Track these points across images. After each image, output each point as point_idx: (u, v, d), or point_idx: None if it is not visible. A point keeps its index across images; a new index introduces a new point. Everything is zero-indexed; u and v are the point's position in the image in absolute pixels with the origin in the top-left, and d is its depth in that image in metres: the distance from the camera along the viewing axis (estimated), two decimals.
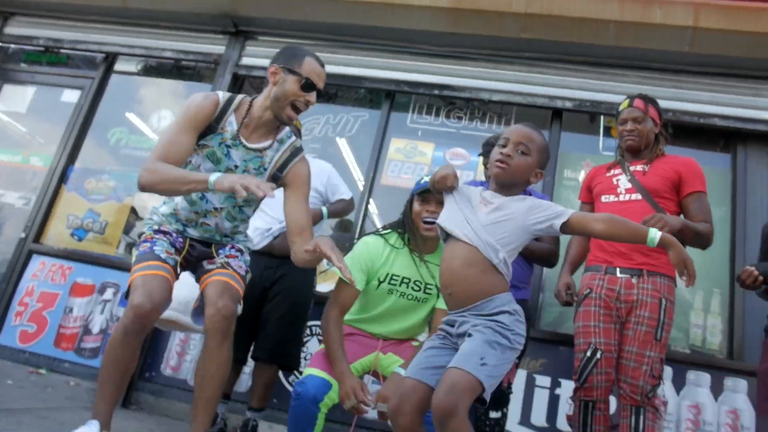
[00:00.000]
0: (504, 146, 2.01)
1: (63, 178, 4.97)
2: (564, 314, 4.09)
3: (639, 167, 2.99)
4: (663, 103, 4.22)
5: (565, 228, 1.97)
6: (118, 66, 5.36)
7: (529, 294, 3.27)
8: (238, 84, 4.95)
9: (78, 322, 4.40)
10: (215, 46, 5.02)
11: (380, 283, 2.50)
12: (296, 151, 2.53)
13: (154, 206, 2.62)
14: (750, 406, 3.56)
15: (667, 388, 3.73)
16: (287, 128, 2.55)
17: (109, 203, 4.90)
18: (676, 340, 3.96)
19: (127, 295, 2.29)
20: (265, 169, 2.47)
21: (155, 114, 5.19)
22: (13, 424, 2.63)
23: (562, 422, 3.74)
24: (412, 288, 2.50)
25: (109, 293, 4.42)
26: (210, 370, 2.25)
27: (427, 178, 2.42)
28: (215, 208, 2.49)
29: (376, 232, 2.61)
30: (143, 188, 2.26)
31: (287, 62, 2.40)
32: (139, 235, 2.51)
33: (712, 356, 3.95)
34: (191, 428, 2.25)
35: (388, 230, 2.60)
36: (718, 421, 3.70)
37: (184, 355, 4.18)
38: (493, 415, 2.99)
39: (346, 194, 3.72)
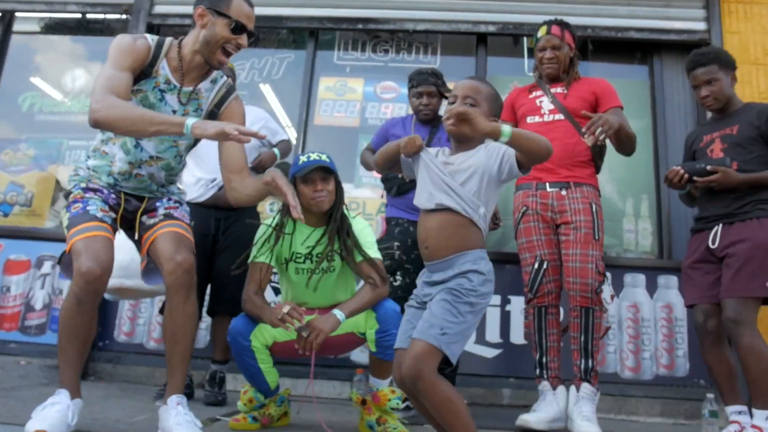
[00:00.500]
0: (452, 103, 2.01)
1: None
2: (506, 235, 4.26)
3: (559, 89, 3.19)
4: (582, 20, 4.37)
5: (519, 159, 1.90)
6: (18, 26, 4.98)
7: None
8: (153, 34, 4.71)
9: (18, 300, 4.24)
10: None
11: (287, 262, 2.64)
12: (231, 89, 2.49)
13: (77, 162, 2.50)
14: (681, 299, 3.85)
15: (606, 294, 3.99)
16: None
17: (31, 173, 4.65)
18: (611, 246, 4.22)
19: (60, 261, 2.25)
20: (202, 110, 2.43)
21: (68, 74, 4.88)
22: None
23: (515, 336, 3.96)
24: (316, 261, 2.60)
25: (47, 266, 4.27)
26: (180, 326, 2.22)
27: (303, 158, 2.57)
28: (151, 157, 2.39)
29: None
30: (98, 124, 2.13)
31: (214, 3, 2.30)
32: (66, 195, 2.36)
33: (645, 257, 4.23)
34: (169, 385, 2.22)
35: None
36: (654, 316, 4.01)
37: (136, 320, 4.13)
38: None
39: (285, 135, 3.78)
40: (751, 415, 2.73)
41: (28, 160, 4.67)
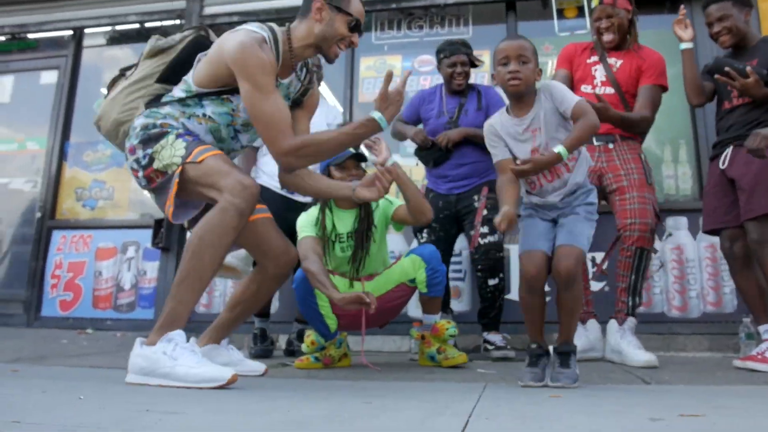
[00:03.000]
0: (506, 64, 2.24)
1: (62, 156, 5.25)
2: None
3: (613, 60, 3.29)
4: None
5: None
6: (88, 41, 5.53)
7: None
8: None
9: (110, 283, 4.78)
10: (176, 2, 5.18)
11: (333, 243, 2.95)
12: (316, 77, 2.60)
13: (155, 110, 2.31)
14: None
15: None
16: None
17: (111, 170, 5.20)
18: None
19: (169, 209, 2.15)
20: (289, 99, 2.45)
21: None
22: (84, 361, 3.03)
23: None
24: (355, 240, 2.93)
25: (131, 251, 4.79)
26: (256, 306, 2.53)
27: None
28: (242, 147, 2.50)
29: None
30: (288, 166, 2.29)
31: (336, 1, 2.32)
32: (147, 136, 2.23)
33: (686, 200, 4.34)
34: (223, 336, 2.50)
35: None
36: (698, 256, 4.12)
37: (212, 292, 4.58)
38: (492, 282, 3.39)
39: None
40: None
41: (106, 158, 5.22)
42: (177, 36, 2.45)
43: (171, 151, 2.16)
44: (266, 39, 2.23)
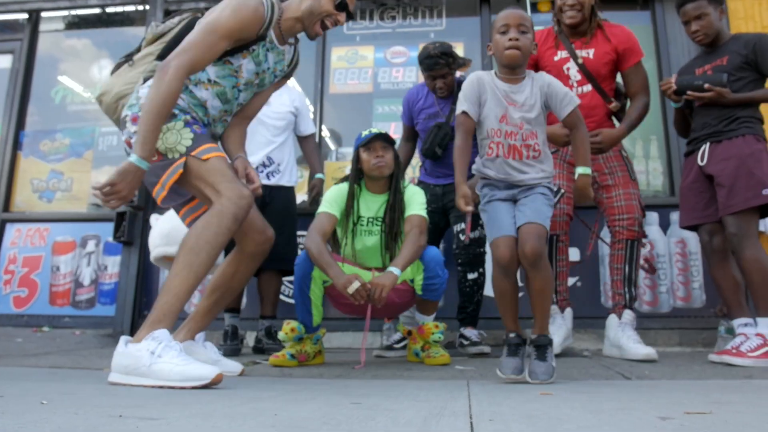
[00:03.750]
0: (505, 32, 2.21)
1: (17, 145, 4.99)
2: None
3: (584, 53, 3.23)
4: None
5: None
6: (45, 25, 5.27)
7: None
8: None
9: (68, 278, 4.57)
10: None
11: (354, 225, 2.94)
12: (297, 52, 2.62)
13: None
14: (695, 234, 3.99)
15: None
16: None
17: (69, 161, 4.96)
18: None
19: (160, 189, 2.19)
20: (283, 71, 2.54)
21: (95, 65, 5.18)
22: (42, 361, 2.86)
23: None
24: (376, 224, 2.95)
25: (91, 245, 4.59)
26: (236, 288, 2.48)
27: (365, 132, 2.94)
28: (239, 104, 2.49)
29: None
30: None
31: None
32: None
33: (657, 196, 4.37)
34: (199, 328, 2.39)
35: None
36: (669, 251, 4.16)
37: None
38: (471, 276, 3.35)
39: (312, 128, 3.96)
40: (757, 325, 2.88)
41: (65, 148, 4.98)
42: (175, 19, 2.50)
43: (177, 138, 2.19)
44: (263, 2, 2.29)
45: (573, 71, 3.24)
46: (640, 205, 3.17)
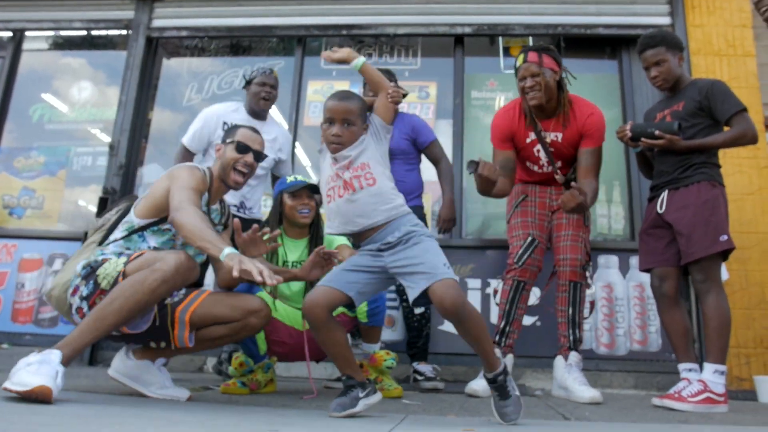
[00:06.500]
0: (331, 124, 2.21)
1: None
2: (486, 222, 4.53)
3: (552, 135, 3.28)
4: (552, 19, 4.65)
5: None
6: (29, 44, 5.35)
7: (421, 201, 3.74)
8: (152, 47, 5.04)
9: (32, 296, 4.56)
10: (124, 12, 5.06)
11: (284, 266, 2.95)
12: (229, 211, 2.87)
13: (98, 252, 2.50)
14: None
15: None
16: None
17: (42, 179, 4.99)
18: None
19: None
20: (221, 221, 2.78)
21: (75, 87, 5.25)
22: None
23: (494, 317, 4.18)
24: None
25: (58, 264, 4.58)
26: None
27: (291, 179, 2.99)
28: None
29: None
30: (173, 221, 2.34)
31: (225, 138, 2.71)
32: (88, 265, 2.40)
33: (617, 240, 4.46)
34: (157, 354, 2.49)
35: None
36: (627, 295, 4.24)
37: None
38: (418, 310, 3.43)
39: (289, 172, 3.93)
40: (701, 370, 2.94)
41: (38, 166, 5.01)
42: (113, 210, 2.70)
43: (114, 265, 2.31)
44: (203, 171, 2.59)
45: (543, 153, 3.32)
46: (586, 250, 3.23)
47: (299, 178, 2.99)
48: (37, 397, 1.80)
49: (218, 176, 2.66)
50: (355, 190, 2.16)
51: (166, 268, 2.15)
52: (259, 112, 3.80)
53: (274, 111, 4.90)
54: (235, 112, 3.82)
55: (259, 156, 2.70)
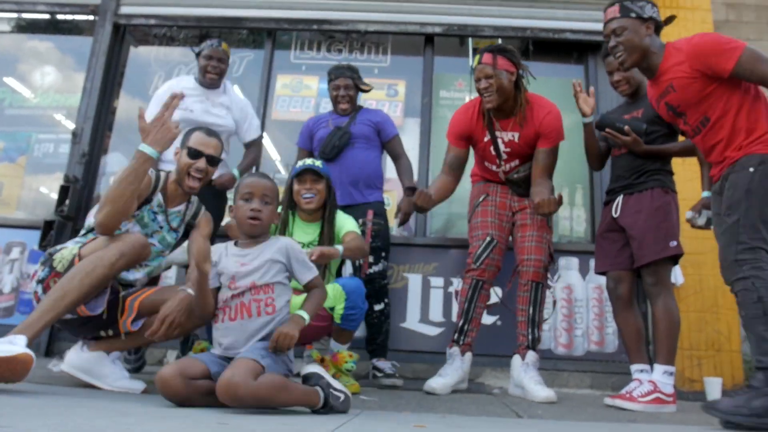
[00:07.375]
0: (249, 200, 2.24)
1: None
2: (449, 221, 4.57)
3: (509, 135, 3.29)
4: (521, 22, 4.70)
5: None
6: None
7: (382, 196, 3.78)
8: (119, 34, 4.95)
9: None
10: None
11: None
12: (200, 205, 2.89)
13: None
14: None
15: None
16: None
17: (1, 165, 4.88)
18: None
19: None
20: (183, 221, 2.81)
21: (38, 71, 5.13)
22: None
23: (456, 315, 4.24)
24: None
25: (15, 252, 4.48)
26: None
27: (300, 163, 3.08)
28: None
29: None
30: (105, 228, 2.36)
31: (182, 142, 2.75)
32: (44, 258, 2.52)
33: (578, 242, 4.54)
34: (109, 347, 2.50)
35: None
36: (587, 297, 4.31)
37: None
38: (377, 307, 3.45)
39: (257, 131, 3.97)
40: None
41: None
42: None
43: (70, 250, 2.43)
44: (152, 175, 2.62)
45: (500, 150, 3.33)
46: (550, 251, 3.28)
47: (308, 161, 3.07)
48: (17, 365, 1.86)
49: (175, 180, 2.74)
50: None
51: (121, 244, 2.29)
52: (208, 83, 3.77)
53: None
54: (185, 82, 3.80)
55: (213, 160, 2.74)
